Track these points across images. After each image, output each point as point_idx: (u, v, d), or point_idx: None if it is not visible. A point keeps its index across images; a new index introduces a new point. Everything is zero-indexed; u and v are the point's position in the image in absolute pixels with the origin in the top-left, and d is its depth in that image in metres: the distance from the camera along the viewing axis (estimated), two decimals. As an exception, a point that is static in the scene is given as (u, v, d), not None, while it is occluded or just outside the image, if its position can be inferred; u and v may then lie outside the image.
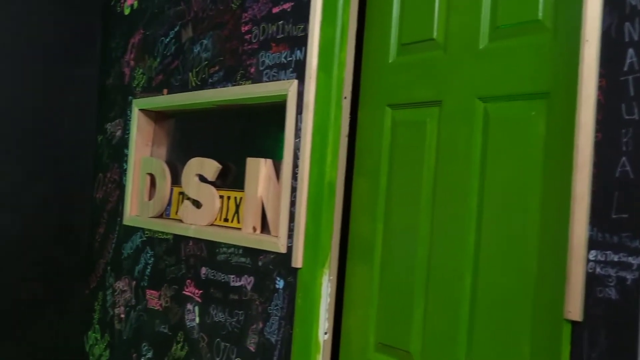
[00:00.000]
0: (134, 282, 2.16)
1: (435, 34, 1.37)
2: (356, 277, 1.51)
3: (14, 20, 2.22)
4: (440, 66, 1.35)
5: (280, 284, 1.57)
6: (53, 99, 2.35)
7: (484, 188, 1.24)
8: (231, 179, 1.85)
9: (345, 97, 1.51)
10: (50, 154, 2.35)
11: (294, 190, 1.54)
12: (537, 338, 1.13)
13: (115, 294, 2.27)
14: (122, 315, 2.22)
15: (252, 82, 1.70)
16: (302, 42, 1.55)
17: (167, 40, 2.06)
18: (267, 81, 1.65)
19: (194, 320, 1.87)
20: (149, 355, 2.06)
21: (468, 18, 1.30)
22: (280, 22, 1.61)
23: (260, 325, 1.62)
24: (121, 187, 2.24)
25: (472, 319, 1.25)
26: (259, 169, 1.65)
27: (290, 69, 1.57)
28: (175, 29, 2.02)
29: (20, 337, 2.31)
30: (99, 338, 2.35)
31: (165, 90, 2.04)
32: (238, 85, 1.74)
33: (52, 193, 2.38)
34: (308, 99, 1.50)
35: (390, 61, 1.47)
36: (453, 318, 1.27)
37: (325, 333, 1.49)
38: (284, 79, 1.58)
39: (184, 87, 1.96)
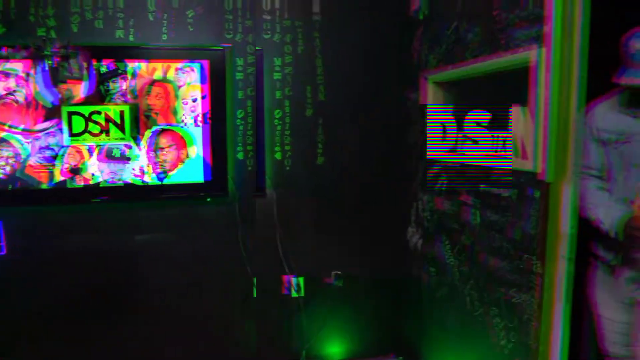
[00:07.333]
0: (434, 196, 2.33)
1: None
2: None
3: (360, 37, 2.65)
4: None
5: (535, 193, 1.64)
6: (378, 78, 2.69)
7: None
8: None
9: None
10: (377, 115, 2.71)
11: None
12: None
13: (424, 203, 2.44)
14: (428, 217, 2.39)
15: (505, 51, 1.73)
16: (539, 21, 1.56)
17: (449, 32, 2.16)
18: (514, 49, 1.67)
19: (475, 219, 1.97)
20: (447, 242, 2.22)
21: None
22: (524, 7, 1.64)
23: (522, 222, 1.70)
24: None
25: None
26: (517, 114, 1.73)
27: (537, 40, 1.59)
28: (454, 24, 2.11)
29: (372, 224, 2.75)
30: (414, 231, 2.58)
31: (448, 67, 2.15)
32: (497, 55, 1.78)
33: (374, 137, 2.72)
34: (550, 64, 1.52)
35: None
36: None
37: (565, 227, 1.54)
38: (528, 49, 1.61)
39: (461, 63, 2.04)
